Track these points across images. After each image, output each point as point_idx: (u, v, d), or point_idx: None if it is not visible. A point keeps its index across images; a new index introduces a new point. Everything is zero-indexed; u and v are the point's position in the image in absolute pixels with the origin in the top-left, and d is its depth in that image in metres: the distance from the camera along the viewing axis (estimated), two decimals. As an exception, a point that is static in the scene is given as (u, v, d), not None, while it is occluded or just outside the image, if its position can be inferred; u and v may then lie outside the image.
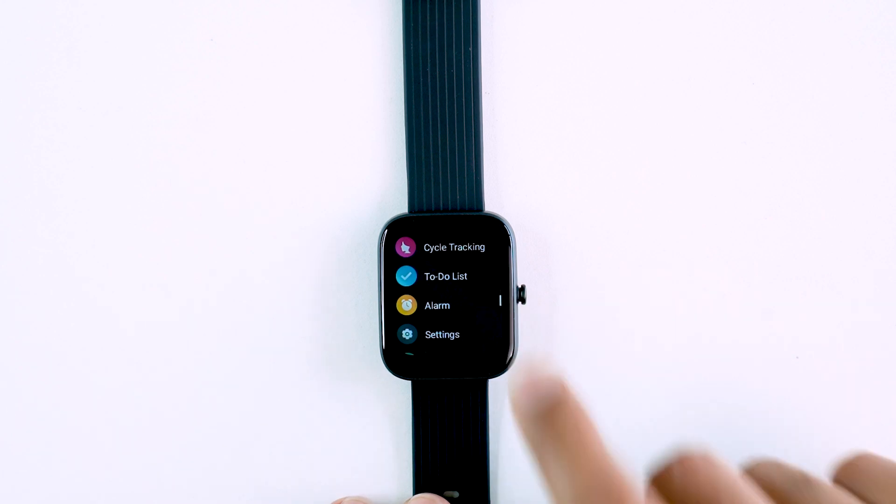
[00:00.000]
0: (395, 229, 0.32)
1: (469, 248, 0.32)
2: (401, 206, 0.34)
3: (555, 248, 0.34)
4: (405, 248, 0.32)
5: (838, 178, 0.34)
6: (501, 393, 0.34)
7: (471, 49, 0.33)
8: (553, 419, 0.26)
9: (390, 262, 0.32)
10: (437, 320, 0.32)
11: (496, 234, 0.32)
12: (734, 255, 0.34)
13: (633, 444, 0.34)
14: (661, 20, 0.34)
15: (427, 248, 0.32)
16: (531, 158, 0.34)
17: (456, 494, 0.34)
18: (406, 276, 0.32)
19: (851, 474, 0.30)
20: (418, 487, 0.34)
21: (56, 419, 0.35)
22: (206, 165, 0.34)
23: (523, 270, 0.34)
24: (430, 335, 0.32)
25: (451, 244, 0.32)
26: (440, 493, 0.34)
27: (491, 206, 0.34)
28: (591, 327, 0.34)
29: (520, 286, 0.32)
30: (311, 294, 0.34)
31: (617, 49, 0.34)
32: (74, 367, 0.35)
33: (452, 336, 0.32)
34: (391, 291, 0.32)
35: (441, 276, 0.32)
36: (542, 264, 0.34)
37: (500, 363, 0.32)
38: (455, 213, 0.33)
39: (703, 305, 0.34)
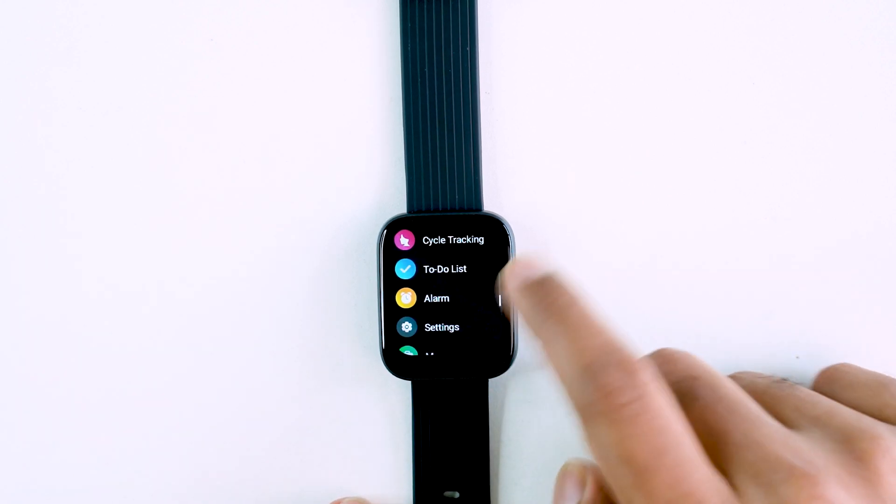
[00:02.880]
0: (394, 230, 0.32)
1: (468, 248, 0.32)
2: (399, 207, 0.34)
3: (555, 248, 0.34)
4: (404, 241, 0.32)
5: (838, 178, 0.34)
6: (501, 393, 0.34)
7: (468, 49, 0.33)
8: (547, 290, 0.27)
9: (389, 260, 0.32)
10: (437, 313, 0.32)
11: (495, 234, 0.32)
12: (734, 254, 0.34)
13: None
14: (660, 20, 0.34)
15: (427, 256, 0.32)
16: (530, 158, 0.34)
17: (456, 494, 0.34)
18: (405, 269, 0.32)
19: (830, 377, 0.31)
20: (418, 487, 0.34)
21: (52, 420, 0.35)
22: (205, 165, 0.34)
23: (523, 270, 0.34)
24: (430, 328, 0.32)
25: (450, 243, 0.32)
26: (440, 493, 0.34)
27: (490, 205, 0.34)
28: (591, 327, 0.34)
29: (519, 286, 0.32)
30: (310, 294, 0.34)
31: (616, 48, 0.34)
32: (72, 366, 0.35)
33: (452, 329, 0.32)
34: (390, 285, 0.32)
35: (440, 272, 0.32)
36: (542, 264, 0.34)
37: (500, 363, 0.32)
38: (454, 213, 0.33)
39: (703, 305, 0.34)
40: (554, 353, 0.26)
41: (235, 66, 0.34)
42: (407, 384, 0.34)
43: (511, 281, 0.28)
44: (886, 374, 0.30)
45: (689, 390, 0.27)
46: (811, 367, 0.34)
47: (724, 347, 0.34)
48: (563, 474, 0.30)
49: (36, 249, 0.35)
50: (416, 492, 0.34)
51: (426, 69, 0.33)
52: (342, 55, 0.34)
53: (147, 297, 0.35)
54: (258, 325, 0.34)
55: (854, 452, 0.25)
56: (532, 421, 0.34)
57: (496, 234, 0.32)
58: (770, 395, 0.29)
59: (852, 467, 0.25)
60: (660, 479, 0.23)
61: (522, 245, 0.34)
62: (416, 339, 0.32)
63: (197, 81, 0.34)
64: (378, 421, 0.35)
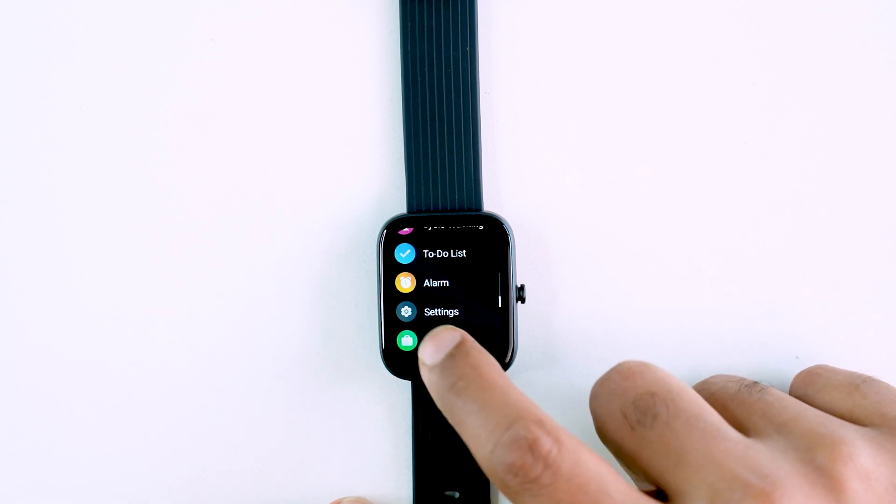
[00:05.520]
0: (393, 229, 0.32)
1: (467, 248, 0.32)
2: (399, 207, 0.34)
3: (555, 248, 0.34)
4: (405, 250, 0.32)
5: (838, 177, 0.34)
6: (501, 393, 0.34)
7: (468, 49, 0.33)
8: (449, 371, 0.28)
9: (389, 267, 0.32)
10: (437, 308, 0.32)
11: (495, 234, 0.32)
12: (734, 255, 0.34)
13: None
14: (660, 20, 0.34)
15: (427, 253, 0.32)
16: (530, 158, 0.34)
17: (456, 495, 0.34)
18: (405, 280, 0.32)
19: (805, 379, 0.31)
20: (418, 487, 0.34)
21: (54, 419, 0.35)
22: (205, 165, 0.34)
23: (523, 270, 0.34)
24: (430, 312, 0.32)
25: (450, 243, 0.32)
26: (440, 493, 0.34)
27: (490, 205, 0.34)
28: (591, 327, 0.34)
29: (519, 286, 0.32)
30: (309, 294, 0.34)
31: (616, 48, 0.34)
32: (72, 367, 0.35)
33: (452, 313, 0.32)
34: (391, 298, 0.32)
35: (440, 281, 0.32)
36: (542, 264, 0.34)
37: (499, 363, 0.32)
38: (454, 213, 0.33)
39: (703, 305, 0.34)
40: (464, 436, 0.27)
41: (235, 66, 0.34)
42: (407, 384, 0.34)
43: (421, 364, 0.29)
44: (861, 374, 0.30)
45: (647, 408, 0.27)
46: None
47: (724, 348, 0.34)
48: None
49: (35, 249, 0.35)
50: (416, 492, 0.34)
51: (426, 69, 0.33)
52: (342, 55, 0.34)
53: (147, 297, 0.35)
54: (258, 326, 0.34)
55: (816, 461, 0.25)
56: (532, 421, 0.34)
57: (496, 237, 0.32)
58: (739, 401, 0.29)
59: (815, 476, 0.25)
60: None
61: (522, 245, 0.34)
62: (416, 323, 0.32)
63: (197, 82, 0.34)
64: (378, 421, 0.35)
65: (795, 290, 0.34)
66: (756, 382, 0.29)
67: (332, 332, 0.34)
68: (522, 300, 0.32)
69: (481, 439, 0.26)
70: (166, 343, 0.35)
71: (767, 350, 0.34)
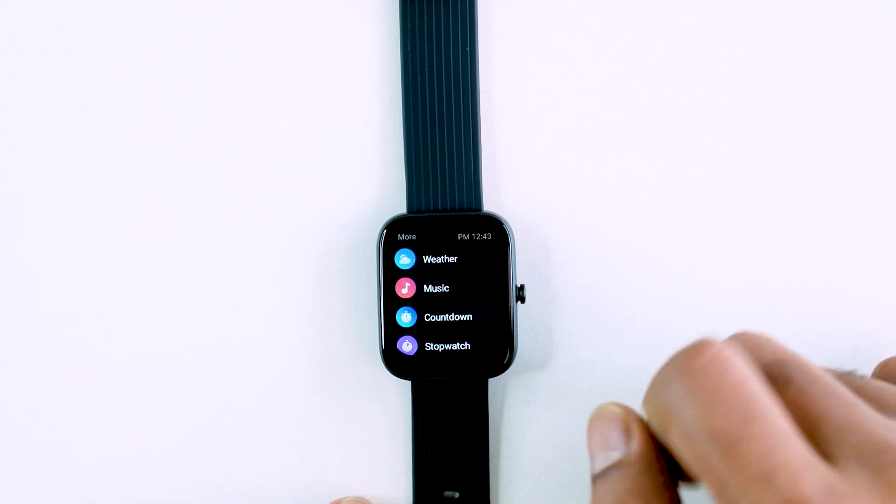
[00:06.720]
0: (393, 229, 0.32)
1: (467, 248, 0.32)
2: (399, 207, 0.34)
3: (555, 248, 0.34)
4: (405, 254, 0.32)
5: (838, 177, 0.34)
6: (501, 393, 0.34)
7: (468, 49, 0.33)
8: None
9: (389, 270, 0.32)
10: (437, 303, 0.32)
11: (495, 234, 0.32)
12: (735, 254, 0.34)
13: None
14: (660, 20, 0.34)
15: (427, 255, 0.32)
16: (530, 158, 0.34)
17: (456, 495, 0.34)
18: (405, 286, 0.32)
19: (892, 369, 0.30)
20: (418, 487, 0.34)
21: (54, 419, 0.35)
22: (205, 165, 0.34)
23: (523, 270, 0.34)
24: (430, 318, 0.32)
25: (450, 244, 0.32)
26: (440, 493, 0.34)
27: (490, 205, 0.34)
28: (591, 327, 0.34)
29: (519, 286, 0.32)
30: (310, 295, 0.34)
31: (616, 48, 0.34)
32: (71, 367, 0.35)
33: (452, 314, 0.32)
34: (390, 304, 0.32)
35: (440, 283, 0.32)
36: (542, 264, 0.34)
37: (499, 363, 0.32)
38: (454, 213, 0.33)
39: (703, 305, 0.34)
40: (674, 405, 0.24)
41: (235, 66, 0.34)
42: (407, 384, 0.34)
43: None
44: None
45: (780, 374, 0.25)
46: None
47: (724, 347, 0.34)
48: (602, 419, 0.26)
49: (35, 250, 0.35)
50: (415, 492, 0.34)
51: (426, 69, 0.33)
52: (342, 55, 0.34)
53: (146, 298, 0.35)
54: (258, 326, 0.34)
55: None
56: (532, 421, 0.34)
57: (496, 237, 0.32)
58: (847, 382, 0.27)
59: None
60: (749, 448, 0.21)
61: (522, 245, 0.34)
62: (416, 329, 0.32)
63: (197, 82, 0.34)
64: (378, 421, 0.35)
65: (796, 289, 0.34)
66: (851, 371, 0.28)
67: (332, 332, 0.34)
68: (522, 300, 0.32)
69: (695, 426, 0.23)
70: (166, 343, 0.35)
71: (767, 350, 0.34)
